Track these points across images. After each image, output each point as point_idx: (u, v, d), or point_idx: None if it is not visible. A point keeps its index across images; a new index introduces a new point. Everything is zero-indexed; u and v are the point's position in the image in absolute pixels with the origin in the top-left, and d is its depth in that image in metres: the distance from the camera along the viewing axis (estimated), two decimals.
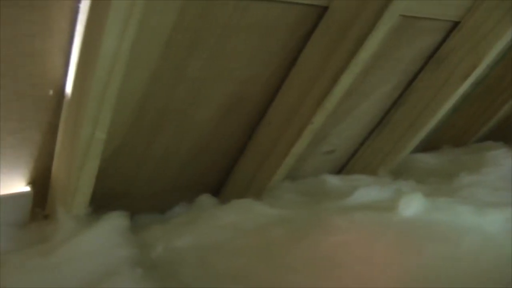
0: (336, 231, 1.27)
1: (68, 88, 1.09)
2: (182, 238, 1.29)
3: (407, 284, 1.17)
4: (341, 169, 2.11)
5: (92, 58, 0.95)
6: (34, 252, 1.12)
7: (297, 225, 1.33)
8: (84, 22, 0.98)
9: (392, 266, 1.19)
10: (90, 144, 1.07)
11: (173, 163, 1.52)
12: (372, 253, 1.22)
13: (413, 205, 1.43)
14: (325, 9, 1.35)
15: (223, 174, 1.72)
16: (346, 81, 1.40)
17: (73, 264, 1.09)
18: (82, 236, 1.16)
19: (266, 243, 1.27)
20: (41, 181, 1.27)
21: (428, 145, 2.44)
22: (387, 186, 1.69)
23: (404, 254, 1.23)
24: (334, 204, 1.49)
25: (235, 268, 1.20)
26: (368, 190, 1.62)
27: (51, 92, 1.10)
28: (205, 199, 1.57)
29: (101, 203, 1.27)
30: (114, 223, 1.22)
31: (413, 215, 1.39)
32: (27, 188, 1.24)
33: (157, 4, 1.04)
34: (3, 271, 1.04)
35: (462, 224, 1.44)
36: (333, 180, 1.81)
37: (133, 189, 1.49)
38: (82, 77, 1.02)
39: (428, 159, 2.34)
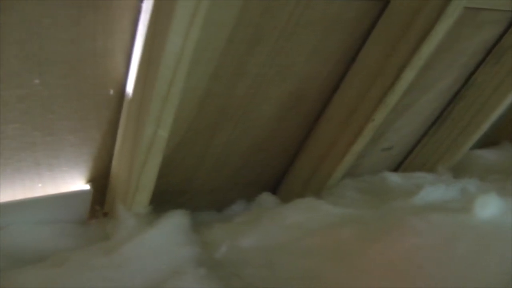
0: (413, 233, 1.22)
1: (129, 87, 1.09)
2: (246, 237, 1.27)
3: None
4: (398, 166, 2.07)
5: (156, 57, 0.94)
6: (96, 250, 1.12)
7: (368, 226, 1.28)
8: (146, 22, 0.97)
9: (473, 271, 1.14)
10: (152, 142, 1.07)
11: (231, 161, 1.51)
12: (452, 257, 1.17)
13: (489, 206, 1.36)
14: (386, 3, 1.31)
15: (280, 171, 1.70)
16: (408, 76, 1.36)
17: (137, 262, 1.09)
18: (145, 234, 1.15)
19: (335, 244, 1.23)
20: (100, 179, 1.28)
21: (487, 141, 2.36)
22: (452, 185, 1.63)
23: (486, 258, 1.18)
24: (403, 204, 1.44)
25: (302, 269, 1.17)
26: (433, 189, 1.56)
27: (112, 91, 1.11)
28: (266, 198, 1.55)
29: (159, 200, 1.27)
30: (176, 221, 1.21)
31: (491, 216, 1.33)
32: (87, 186, 1.25)
33: (219, 1, 1.02)
34: (66, 269, 1.05)
35: None
36: (394, 178, 1.76)
37: (192, 186, 1.49)
38: (145, 76, 1.01)
39: (488, 155, 2.26)
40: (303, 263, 1.18)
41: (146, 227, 1.18)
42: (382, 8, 1.32)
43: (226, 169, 1.53)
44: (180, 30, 0.89)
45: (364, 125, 1.44)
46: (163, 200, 1.29)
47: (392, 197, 1.52)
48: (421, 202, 1.46)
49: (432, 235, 1.21)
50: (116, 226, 1.19)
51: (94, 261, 1.07)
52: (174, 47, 0.91)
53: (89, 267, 1.06)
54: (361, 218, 1.32)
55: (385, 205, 1.42)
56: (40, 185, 1.19)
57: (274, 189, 1.72)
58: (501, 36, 1.71)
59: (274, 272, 1.18)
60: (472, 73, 1.82)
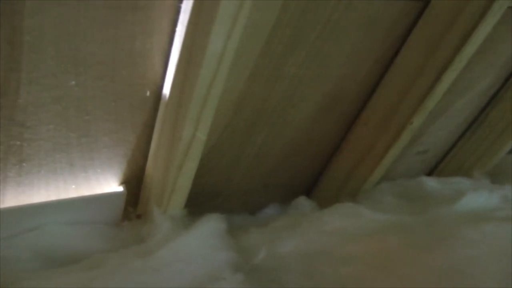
0: (466, 244, 1.18)
1: (166, 89, 1.08)
2: (285, 242, 1.24)
3: None
4: (432, 170, 2.03)
5: (196, 58, 0.93)
6: (132, 253, 1.10)
7: (414, 233, 1.24)
8: (186, 22, 0.95)
9: None
10: (190, 145, 1.06)
11: (266, 163, 1.49)
12: (509, 271, 1.13)
13: None
14: (426, 3, 1.28)
15: (314, 174, 1.68)
16: (449, 78, 1.33)
17: (173, 267, 1.08)
18: (181, 238, 1.14)
19: (380, 251, 1.20)
20: (134, 181, 1.27)
21: None
22: (496, 191, 1.59)
23: None
24: (447, 211, 1.40)
25: (345, 276, 1.14)
26: (476, 196, 1.52)
27: (148, 92, 1.09)
28: (302, 202, 1.53)
29: (192, 202, 1.26)
30: (212, 225, 1.19)
31: None
32: (120, 188, 1.24)
33: (260, 1, 1.00)
34: (103, 271, 1.04)
35: None
36: (431, 183, 1.72)
37: (225, 189, 1.48)
38: (184, 77, 1.00)
39: None
40: (345, 270, 1.15)
41: (181, 230, 1.16)
42: (423, 8, 1.29)
43: (260, 171, 1.51)
44: (222, 31, 0.87)
45: (402, 128, 1.42)
46: (196, 202, 1.27)
47: (433, 203, 1.48)
48: (465, 209, 1.42)
49: (488, 247, 1.17)
50: (151, 229, 1.18)
51: (130, 264, 1.06)
52: (216, 48, 0.89)
53: (125, 270, 1.04)
54: (405, 225, 1.28)
55: (427, 211, 1.38)
56: (73, 186, 1.18)
57: (307, 192, 1.70)
58: None
59: (314, 279, 1.15)
60: (511, 75, 1.77)
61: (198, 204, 1.29)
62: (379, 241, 1.23)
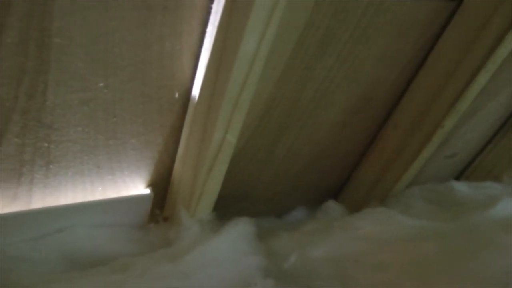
0: (509, 253, 1.14)
1: (195, 91, 1.06)
2: (316, 247, 1.21)
3: None
4: (460, 174, 2.00)
5: (228, 60, 0.91)
6: (160, 257, 1.09)
7: (451, 241, 1.20)
8: (217, 23, 0.94)
9: None
10: (220, 147, 1.04)
11: (294, 166, 1.47)
12: None
13: None
14: (459, 3, 1.25)
15: (343, 177, 1.66)
16: (481, 80, 1.30)
17: (203, 271, 1.06)
18: (210, 242, 1.12)
19: (417, 259, 1.16)
20: (161, 184, 1.27)
21: None
22: None
23: None
24: (483, 218, 1.36)
25: (379, 283, 1.10)
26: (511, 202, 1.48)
27: (177, 94, 1.08)
28: (331, 206, 1.50)
29: (219, 205, 1.24)
30: (241, 229, 1.18)
31: None
32: (147, 190, 1.24)
33: (292, 1, 0.98)
34: (131, 274, 1.03)
35: None
36: (461, 187, 1.69)
37: (253, 191, 1.46)
38: (214, 79, 0.98)
39: None
40: (379, 277, 1.12)
41: (210, 234, 1.15)
42: (455, 8, 1.26)
43: (288, 174, 1.49)
44: (255, 32, 0.85)
45: (433, 132, 1.39)
46: (222, 205, 1.26)
47: (465, 209, 1.45)
48: (501, 215, 1.38)
49: None
50: (179, 232, 1.17)
51: (159, 268, 1.05)
52: (249, 49, 0.87)
53: (154, 274, 1.03)
54: (440, 232, 1.24)
55: (461, 218, 1.35)
56: (100, 188, 1.18)
57: (334, 195, 1.68)
58: None
59: (346, 285, 1.12)
60: None
61: (224, 207, 1.28)
62: (415, 248, 1.19)
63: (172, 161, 1.22)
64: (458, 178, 2.00)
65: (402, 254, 1.18)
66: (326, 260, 1.18)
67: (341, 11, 1.09)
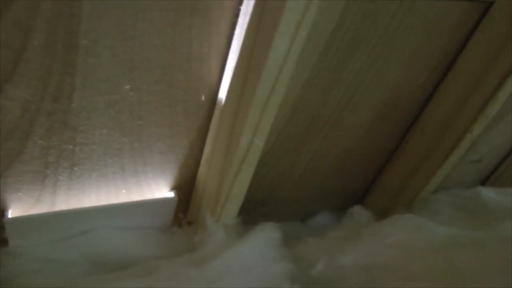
0: None
1: (222, 94, 1.05)
2: (345, 254, 1.19)
3: None
4: (485, 180, 1.96)
5: (257, 63, 0.90)
6: (186, 261, 1.09)
7: (488, 250, 1.17)
8: (245, 25, 0.93)
9: None
10: (247, 151, 1.03)
11: (319, 170, 1.46)
12: None
13: None
14: (489, 4, 1.22)
15: (367, 182, 1.64)
16: (510, 85, 1.26)
17: (229, 277, 1.05)
18: (236, 247, 1.11)
19: (450, 268, 1.12)
20: (185, 187, 1.26)
21: None
22: None
23: None
24: None
25: None
26: None
27: (203, 97, 1.07)
28: (358, 211, 1.48)
29: (243, 209, 1.23)
30: (267, 234, 1.16)
31: None
32: (172, 194, 1.23)
33: (321, 3, 0.97)
34: (157, 278, 1.02)
35: None
36: (489, 194, 1.65)
37: (277, 196, 1.45)
38: (243, 82, 0.97)
39: None
40: (410, 286, 1.09)
41: (235, 239, 1.14)
42: (485, 10, 1.23)
43: (313, 179, 1.48)
44: (286, 34, 0.83)
45: (461, 137, 1.36)
46: (245, 209, 1.25)
47: (496, 216, 1.41)
48: None
49: None
50: (203, 237, 1.15)
51: (185, 273, 1.04)
52: (279, 52, 0.86)
53: (180, 279, 1.02)
54: (474, 240, 1.21)
55: (494, 225, 1.31)
56: (124, 191, 1.18)
57: (359, 201, 1.66)
58: None
59: None
60: None
61: (247, 211, 1.27)
62: (448, 257, 1.16)
63: (197, 164, 1.21)
64: (483, 183, 1.96)
65: (434, 263, 1.14)
66: (355, 267, 1.16)
67: (370, 13, 1.07)
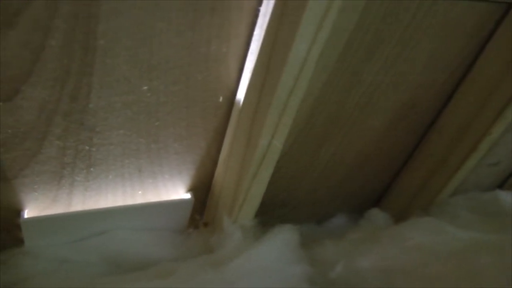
0: None
1: (240, 94, 1.05)
2: (364, 257, 1.18)
3: None
4: (503, 183, 1.94)
5: (277, 63, 0.89)
6: (204, 263, 1.08)
7: (509, 255, 1.16)
8: (265, 26, 0.92)
9: None
10: (266, 153, 1.02)
11: (336, 172, 1.45)
12: None
13: None
14: (510, 5, 1.20)
15: (384, 184, 1.63)
16: None
17: (248, 279, 1.04)
18: (253, 249, 1.10)
19: (471, 273, 1.12)
20: (201, 188, 1.25)
21: None
22: None
23: None
24: None
25: None
26: None
27: (221, 98, 1.07)
28: (375, 213, 1.47)
29: (259, 211, 1.22)
30: (285, 236, 1.16)
31: None
32: (188, 195, 1.23)
33: (342, 3, 0.96)
34: (175, 280, 1.02)
35: None
36: (507, 197, 1.63)
37: (294, 197, 1.44)
38: (262, 83, 0.96)
39: None
40: None
41: (253, 241, 1.13)
42: (505, 10, 1.21)
43: (330, 181, 1.47)
44: (307, 35, 0.82)
45: (480, 139, 1.34)
46: (262, 211, 1.24)
47: None
48: None
49: None
50: (221, 239, 1.15)
51: (203, 275, 1.03)
52: (299, 52, 0.85)
53: (198, 280, 1.02)
54: (494, 245, 1.19)
55: None
56: (140, 192, 1.17)
57: (376, 203, 1.65)
58: None
59: None
60: None
61: (264, 213, 1.26)
62: (468, 261, 1.14)
63: (214, 165, 1.21)
64: (500, 187, 1.94)
65: (455, 267, 1.13)
66: (373, 270, 1.14)
67: (390, 13, 1.06)
